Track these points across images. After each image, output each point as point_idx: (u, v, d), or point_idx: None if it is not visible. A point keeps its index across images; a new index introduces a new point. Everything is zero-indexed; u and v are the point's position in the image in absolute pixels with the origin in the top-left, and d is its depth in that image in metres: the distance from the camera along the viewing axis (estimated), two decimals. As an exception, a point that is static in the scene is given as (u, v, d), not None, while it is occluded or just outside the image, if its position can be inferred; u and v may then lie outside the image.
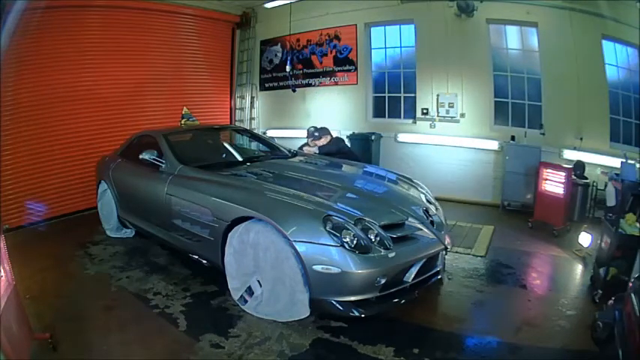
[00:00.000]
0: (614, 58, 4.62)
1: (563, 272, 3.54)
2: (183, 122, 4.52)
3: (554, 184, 4.37)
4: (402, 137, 6.03)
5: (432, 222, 2.88)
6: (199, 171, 3.32)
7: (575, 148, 4.80)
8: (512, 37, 5.35)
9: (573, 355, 2.36)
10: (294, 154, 4.19)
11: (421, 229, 2.72)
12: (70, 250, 3.93)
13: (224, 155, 4.12)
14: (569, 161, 4.68)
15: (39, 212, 4.65)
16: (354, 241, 2.38)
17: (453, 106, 5.54)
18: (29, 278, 3.20)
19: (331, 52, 6.47)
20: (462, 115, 5.55)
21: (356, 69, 6.30)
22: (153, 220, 3.59)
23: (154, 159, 3.47)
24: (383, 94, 6.35)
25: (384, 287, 2.42)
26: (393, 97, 6.27)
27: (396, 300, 2.53)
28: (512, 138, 5.15)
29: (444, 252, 2.85)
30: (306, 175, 3.39)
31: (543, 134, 5.02)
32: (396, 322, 2.62)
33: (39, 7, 4.43)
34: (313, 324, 2.57)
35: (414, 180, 3.61)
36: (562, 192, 4.28)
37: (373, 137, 5.87)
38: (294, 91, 6.67)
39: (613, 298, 2.27)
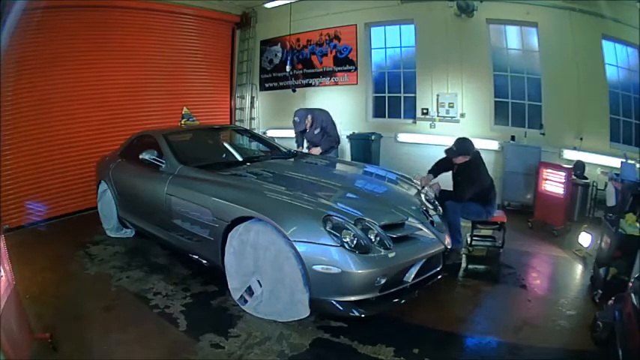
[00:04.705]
0: (614, 58, 4.62)
1: (563, 272, 3.54)
2: (183, 122, 4.52)
3: (554, 184, 4.37)
4: (402, 137, 6.03)
5: (432, 222, 2.88)
6: (199, 171, 3.32)
7: (575, 148, 4.80)
8: (512, 37, 5.35)
9: (573, 355, 2.36)
10: (294, 154, 4.19)
11: (421, 229, 2.72)
12: (70, 250, 3.93)
13: (224, 155, 4.12)
14: (569, 161, 4.68)
15: (39, 212, 4.65)
16: (354, 241, 2.38)
17: (453, 106, 5.54)
18: (29, 278, 3.20)
19: (331, 52, 6.47)
20: (462, 115, 5.55)
21: (356, 69, 6.30)
22: (153, 220, 3.59)
23: (154, 159, 3.46)
24: (383, 94, 6.36)
25: (384, 287, 2.42)
26: (393, 97, 6.27)
27: (396, 300, 2.53)
28: (512, 138, 5.15)
29: (444, 252, 2.85)
30: (306, 175, 3.39)
31: (543, 134, 5.02)
32: (396, 322, 2.62)
33: (39, 7, 4.43)
34: (313, 324, 2.57)
35: (414, 180, 3.61)
36: (562, 192, 4.28)
37: (373, 137, 5.87)
38: (294, 91, 6.67)
39: (613, 298, 2.27)
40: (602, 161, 4.54)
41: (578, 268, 3.53)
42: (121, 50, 5.48)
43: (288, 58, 6.72)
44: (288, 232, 2.44)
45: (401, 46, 6.12)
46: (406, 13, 5.73)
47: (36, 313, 2.64)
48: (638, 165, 3.16)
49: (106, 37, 5.30)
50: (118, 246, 4.02)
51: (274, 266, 2.55)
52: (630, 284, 2.06)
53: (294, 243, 2.42)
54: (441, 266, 2.88)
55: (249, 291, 2.71)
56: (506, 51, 5.40)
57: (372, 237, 2.46)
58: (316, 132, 4.90)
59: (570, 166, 4.40)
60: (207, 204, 2.93)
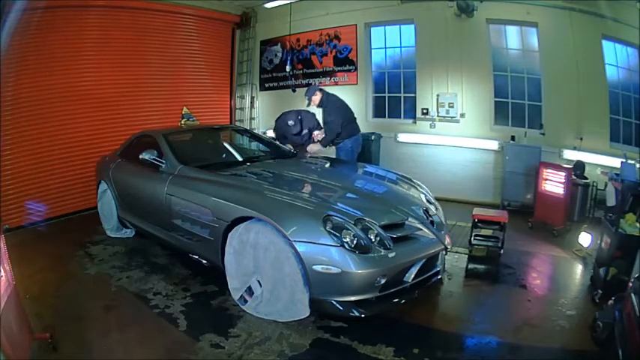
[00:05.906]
0: (614, 58, 4.62)
1: (563, 272, 3.54)
2: (183, 122, 4.52)
3: (554, 184, 4.36)
4: (402, 137, 6.03)
5: (432, 222, 2.88)
6: (199, 171, 3.32)
7: (575, 148, 4.80)
8: (512, 37, 5.34)
9: (573, 355, 2.37)
10: (294, 154, 4.19)
11: (421, 229, 2.71)
12: (70, 250, 3.93)
13: (224, 155, 4.12)
14: (569, 161, 4.68)
15: (39, 212, 4.64)
16: (354, 241, 2.38)
17: (453, 106, 5.54)
18: (29, 278, 3.19)
19: (331, 52, 6.47)
20: (462, 115, 5.55)
21: (356, 69, 6.30)
22: (153, 220, 3.59)
23: (154, 159, 3.46)
24: (383, 94, 6.35)
25: (384, 287, 2.42)
26: (393, 97, 6.27)
27: (396, 300, 2.53)
28: (512, 138, 5.14)
29: (444, 252, 2.85)
30: (306, 175, 3.39)
31: (543, 134, 5.01)
32: (396, 322, 2.62)
33: (39, 7, 4.43)
34: (313, 324, 2.57)
35: (413, 180, 3.61)
36: (562, 192, 4.28)
37: (373, 137, 5.86)
38: (294, 91, 6.67)
39: (613, 298, 2.27)
40: (602, 161, 4.54)
41: (578, 268, 3.53)
42: (121, 50, 5.47)
43: (288, 58, 6.72)
44: (288, 232, 2.44)
45: (401, 46, 6.11)
46: (406, 13, 5.73)
47: (36, 313, 2.64)
48: (638, 165, 3.16)
49: (106, 37, 5.29)
50: (118, 246, 4.02)
51: (274, 266, 2.55)
52: (630, 284, 2.06)
53: (294, 243, 2.41)
54: (441, 266, 2.88)
55: (249, 291, 2.71)
56: (506, 51, 5.40)
57: (372, 237, 2.45)
58: (304, 132, 4.98)
59: (570, 166, 4.39)
60: (207, 204, 2.93)
